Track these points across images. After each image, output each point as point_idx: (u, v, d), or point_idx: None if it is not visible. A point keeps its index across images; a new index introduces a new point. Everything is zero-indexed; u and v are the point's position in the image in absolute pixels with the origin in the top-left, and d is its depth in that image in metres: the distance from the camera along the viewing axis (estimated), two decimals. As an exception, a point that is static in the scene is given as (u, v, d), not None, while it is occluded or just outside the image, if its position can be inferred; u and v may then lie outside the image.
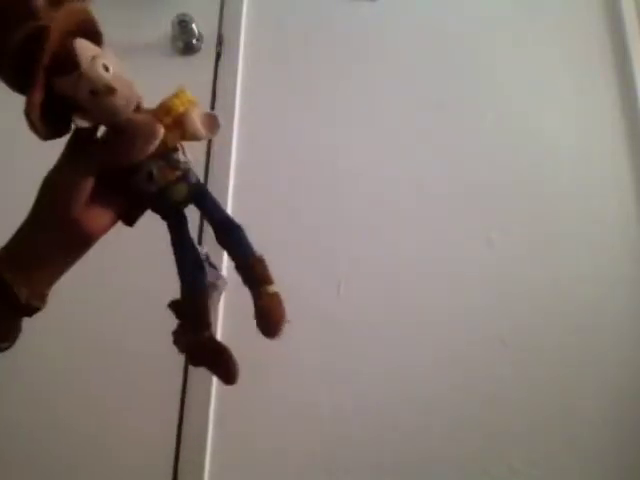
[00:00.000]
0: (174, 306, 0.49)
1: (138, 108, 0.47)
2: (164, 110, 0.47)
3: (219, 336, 0.98)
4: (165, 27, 1.17)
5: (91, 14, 0.44)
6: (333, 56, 1.22)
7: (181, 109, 0.47)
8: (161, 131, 0.45)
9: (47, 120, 0.45)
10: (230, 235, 0.49)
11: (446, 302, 1.07)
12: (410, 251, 1.10)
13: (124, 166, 0.45)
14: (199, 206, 0.49)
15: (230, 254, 0.49)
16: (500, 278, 1.09)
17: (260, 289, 0.48)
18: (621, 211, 1.16)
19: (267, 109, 1.16)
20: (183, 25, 1.14)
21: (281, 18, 1.25)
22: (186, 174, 0.48)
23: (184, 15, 1.14)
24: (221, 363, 0.50)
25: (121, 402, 0.96)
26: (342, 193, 1.13)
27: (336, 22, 1.25)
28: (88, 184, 0.45)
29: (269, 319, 0.47)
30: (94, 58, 0.42)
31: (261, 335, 0.48)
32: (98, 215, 0.46)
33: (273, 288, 0.48)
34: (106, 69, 0.43)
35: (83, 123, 0.44)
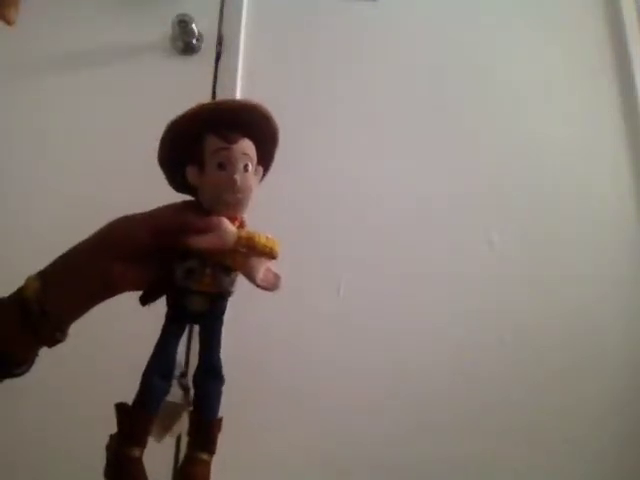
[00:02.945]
0: (120, 408, 0.46)
1: (240, 224, 0.49)
2: (248, 236, 0.47)
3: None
4: (165, 27, 1.17)
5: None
6: (333, 56, 1.22)
7: (259, 247, 0.47)
8: (234, 236, 0.46)
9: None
10: (209, 382, 0.47)
11: (446, 302, 1.07)
12: (410, 251, 1.10)
13: (183, 245, 0.45)
14: (203, 330, 0.48)
15: (198, 399, 0.47)
16: (500, 278, 1.09)
17: (197, 453, 0.46)
18: (621, 211, 1.16)
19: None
20: (183, 25, 1.14)
21: (281, 18, 1.25)
22: (219, 295, 0.47)
23: (184, 15, 1.14)
24: None
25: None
26: (342, 193, 1.12)
27: (336, 22, 1.25)
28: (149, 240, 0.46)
29: None
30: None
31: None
32: (129, 274, 0.47)
33: (208, 458, 0.46)
34: (245, 169, 0.47)
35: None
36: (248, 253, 0.46)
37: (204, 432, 0.47)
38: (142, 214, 0.48)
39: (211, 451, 0.47)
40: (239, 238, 0.46)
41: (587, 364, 1.06)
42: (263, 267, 0.47)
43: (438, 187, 1.14)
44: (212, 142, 0.47)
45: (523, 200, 1.15)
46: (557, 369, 1.05)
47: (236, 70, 1.17)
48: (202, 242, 0.45)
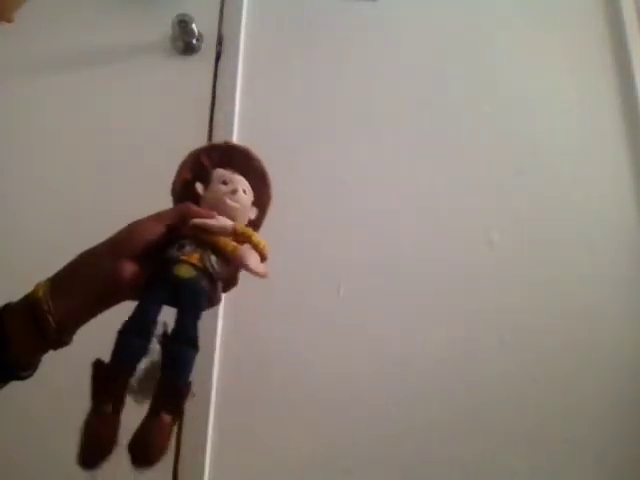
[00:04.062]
0: (95, 364, 0.46)
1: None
2: (244, 228, 0.53)
3: (219, 334, 0.99)
4: (165, 27, 1.17)
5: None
6: (333, 56, 1.22)
7: (253, 238, 0.52)
8: (232, 226, 0.52)
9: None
10: (182, 347, 0.47)
11: (446, 302, 1.07)
12: (410, 251, 1.10)
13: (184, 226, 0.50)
14: (184, 298, 0.49)
15: (167, 362, 0.47)
16: (500, 278, 1.09)
17: (161, 415, 0.45)
18: (621, 211, 1.16)
19: (267, 109, 1.16)
20: (183, 25, 1.14)
21: (281, 18, 1.25)
22: (204, 273, 0.49)
23: (184, 15, 1.14)
24: (103, 451, 0.44)
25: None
26: (342, 193, 1.12)
27: (336, 22, 1.25)
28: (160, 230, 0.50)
29: (148, 445, 0.45)
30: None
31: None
32: (136, 273, 0.48)
33: (171, 421, 0.46)
34: (244, 192, 0.56)
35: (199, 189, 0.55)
36: (241, 239, 0.51)
37: (169, 394, 0.46)
38: (149, 215, 0.51)
39: (174, 414, 0.46)
40: (236, 229, 0.52)
41: (587, 364, 1.06)
42: (254, 257, 0.51)
43: (438, 187, 1.14)
44: (219, 171, 0.57)
45: (523, 200, 1.15)
46: (557, 369, 1.05)
47: (236, 70, 1.18)
48: (204, 222, 0.51)
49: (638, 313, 1.09)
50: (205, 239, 0.50)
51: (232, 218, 0.53)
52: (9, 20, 0.58)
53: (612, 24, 1.28)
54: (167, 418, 0.45)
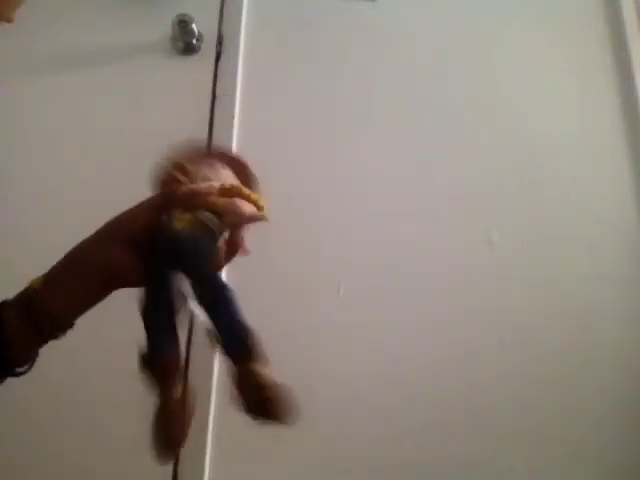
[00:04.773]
0: (140, 358, 0.45)
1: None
2: (235, 185, 0.49)
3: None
4: (165, 27, 1.17)
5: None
6: (333, 56, 1.22)
7: (243, 191, 0.49)
8: (217, 184, 0.48)
9: None
10: (220, 300, 0.45)
11: (446, 302, 1.07)
12: (410, 252, 1.10)
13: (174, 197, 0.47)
14: (188, 260, 0.46)
15: (218, 319, 0.44)
16: (500, 278, 1.09)
17: (249, 366, 0.43)
18: (621, 211, 1.16)
19: (267, 109, 1.16)
20: (183, 25, 1.14)
21: (281, 18, 1.25)
22: (203, 227, 0.47)
23: (184, 15, 1.14)
24: (179, 441, 0.44)
25: (121, 402, 0.96)
26: (342, 193, 1.12)
27: (336, 22, 1.25)
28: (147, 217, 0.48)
29: (271, 401, 0.43)
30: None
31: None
32: (128, 259, 0.47)
33: (264, 368, 0.44)
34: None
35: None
36: (232, 194, 0.48)
37: (252, 347, 0.44)
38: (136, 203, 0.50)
39: (265, 363, 0.44)
40: (223, 185, 0.48)
41: (587, 364, 1.06)
42: (248, 207, 0.48)
43: (438, 187, 1.14)
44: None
45: (523, 200, 1.15)
46: (557, 369, 1.05)
47: (236, 70, 1.18)
48: (191, 187, 0.48)
49: (638, 313, 1.09)
50: (194, 203, 0.47)
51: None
52: (9, 20, 0.58)
53: (612, 24, 1.28)
54: (260, 367, 0.44)
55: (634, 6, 1.29)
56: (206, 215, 0.47)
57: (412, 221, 1.12)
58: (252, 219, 0.49)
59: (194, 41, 1.17)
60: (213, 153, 0.55)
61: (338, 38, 1.24)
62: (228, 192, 0.48)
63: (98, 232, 0.49)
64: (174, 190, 0.48)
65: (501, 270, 1.10)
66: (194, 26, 1.16)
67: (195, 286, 0.46)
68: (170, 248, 0.46)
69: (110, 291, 0.49)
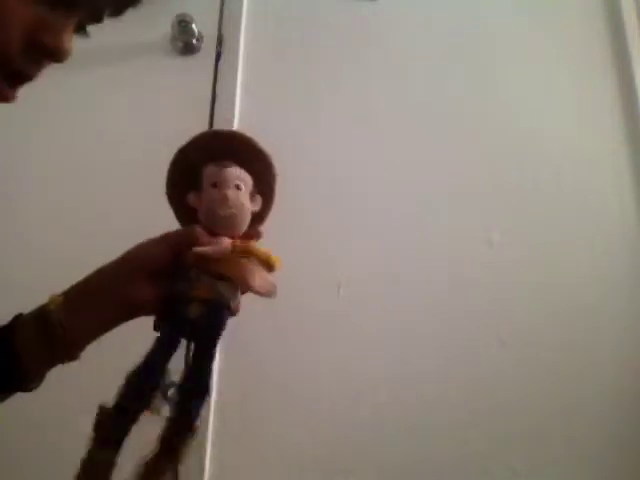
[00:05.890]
0: (101, 410, 0.46)
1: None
2: (244, 244, 0.50)
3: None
4: (165, 27, 1.17)
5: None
6: (333, 56, 1.22)
7: (254, 252, 0.50)
8: (229, 245, 0.49)
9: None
10: (196, 394, 0.47)
11: (446, 302, 1.07)
12: (410, 252, 1.10)
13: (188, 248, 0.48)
14: (198, 345, 0.48)
15: (179, 412, 0.47)
16: (500, 278, 1.09)
17: (166, 464, 0.46)
18: (621, 211, 1.16)
19: (267, 109, 1.16)
20: (183, 25, 1.14)
21: (281, 18, 1.25)
22: (216, 304, 0.48)
23: (184, 15, 1.14)
24: None
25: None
26: (342, 193, 1.12)
27: (336, 22, 1.25)
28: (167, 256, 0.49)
29: None
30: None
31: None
32: (151, 294, 0.48)
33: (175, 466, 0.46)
34: (238, 188, 0.51)
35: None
36: (245, 258, 0.49)
37: (176, 443, 0.46)
38: (156, 236, 0.51)
39: (178, 450, 0.46)
40: (235, 246, 0.49)
41: (587, 364, 1.06)
42: (259, 273, 0.49)
43: (438, 187, 1.14)
44: (209, 168, 0.52)
45: (523, 200, 1.15)
46: (557, 370, 1.05)
47: (236, 70, 1.17)
48: (203, 251, 0.48)
49: (638, 313, 1.09)
50: (209, 268, 0.48)
51: (231, 227, 0.51)
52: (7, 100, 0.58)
53: (612, 24, 1.28)
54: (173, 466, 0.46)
55: (634, 6, 1.29)
56: (221, 287, 0.48)
57: (412, 221, 1.12)
58: (260, 293, 0.49)
59: (194, 41, 1.17)
60: (238, 147, 0.54)
61: (338, 38, 1.24)
62: (241, 252, 0.49)
63: (117, 263, 0.50)
64: (190, 239, 0.49)
65: (501, 270, 1.10)
66: (194, 26, 1.16)
67: (192, 359, 0.48)
68: (185, 331, 0.48)
69: (125, 321, 0.50)
